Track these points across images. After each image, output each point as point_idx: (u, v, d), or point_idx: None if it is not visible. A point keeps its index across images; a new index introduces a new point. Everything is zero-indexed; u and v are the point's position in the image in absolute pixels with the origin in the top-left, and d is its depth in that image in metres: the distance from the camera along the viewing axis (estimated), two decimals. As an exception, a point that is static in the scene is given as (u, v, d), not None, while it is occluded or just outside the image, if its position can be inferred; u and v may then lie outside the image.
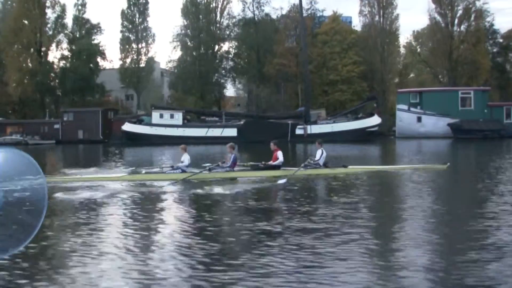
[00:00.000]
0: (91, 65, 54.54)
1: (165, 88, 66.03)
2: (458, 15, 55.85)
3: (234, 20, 58.90)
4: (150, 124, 42.01)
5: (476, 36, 55.10)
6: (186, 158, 13.36)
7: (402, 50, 63.54)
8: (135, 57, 61.09)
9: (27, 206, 3.25)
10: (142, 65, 60.50)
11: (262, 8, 56.28)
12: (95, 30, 58.85)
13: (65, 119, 47.67)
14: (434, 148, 34.79)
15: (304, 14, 55.07)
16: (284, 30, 52.97)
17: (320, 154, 14.10)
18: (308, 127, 40.94)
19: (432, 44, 57.26)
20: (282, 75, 51.92)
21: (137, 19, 62.34)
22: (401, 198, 10.51)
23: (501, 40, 64.68)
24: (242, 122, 41.78)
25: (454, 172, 15.54)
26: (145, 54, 61.67)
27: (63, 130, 47.31)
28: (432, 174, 14.06)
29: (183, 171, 13.17)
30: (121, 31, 61.67)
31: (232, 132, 40.96)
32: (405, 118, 46.06)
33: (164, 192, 11.26)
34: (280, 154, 13.75)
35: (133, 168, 15.31)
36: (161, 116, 42.08)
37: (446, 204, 9.35)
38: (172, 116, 41.95)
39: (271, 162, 13.93)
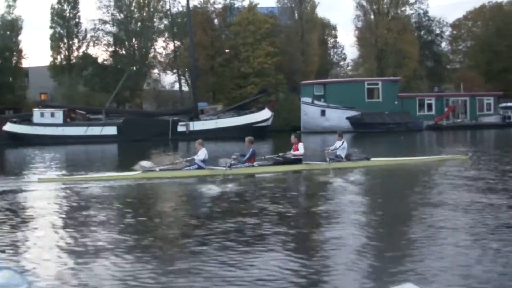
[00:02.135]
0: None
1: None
2: (385, 1, 53.02)
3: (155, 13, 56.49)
4: (30, 123, 40.21)
5: (402, 24, 52.21)
6: (202, 153, 12.88)
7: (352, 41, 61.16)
8: (67, 53, 59.71)
9: None
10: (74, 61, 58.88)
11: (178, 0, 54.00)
12: (13, 28, 57.04)
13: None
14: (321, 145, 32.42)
15: (220, 6, 52.84)
16: (196, 23, 50.37)
17: (340, 144, 14.05)
18: (191, 123, 38.62)
19: (359, 33, 54.48)
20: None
21: (67, 14, 60.78)
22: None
23: (450, 29, 62.09)
24: (122, 120, 39.70)
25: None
26: (77, 50, 60.22)
27: (-41, 132, 45.68)
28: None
29: (200, 167, 12.88)
30: (51, 27, 60.25)
31: (112, 130, 38.94)
32: (309, 111, 43.58)
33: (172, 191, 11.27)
34: (301, 147, 13.58)
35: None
36: (42, 115, 40.16)
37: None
38: (52, 115, 39.95)
39: (290, 155, 13.77)
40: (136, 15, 57.36)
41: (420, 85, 51.49)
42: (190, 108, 41.09)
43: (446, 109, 44.63)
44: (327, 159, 13.62)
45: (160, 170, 12.95)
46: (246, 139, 13.68)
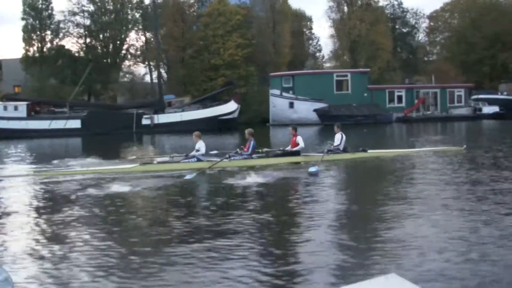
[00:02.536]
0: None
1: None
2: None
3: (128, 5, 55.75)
4: (-7, 117, 39.51)
5: (375, 15, 51.88)
6: (201, 146, 12.72)
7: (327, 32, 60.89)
8: (39, 45, 58.89)
9: None
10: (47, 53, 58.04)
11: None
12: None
13: None
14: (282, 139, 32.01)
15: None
16: (167, 14, 49.77)
17: (339, 138, 13.95)
18: (155, 116, 38.19)
19: (332, 24, 54.17)
20: (165, 60, 49.26)
21: (40, 6, 59.88)
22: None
23: (427, 21, 61.89)
24: (85, 113, 39.18)
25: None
26: (50, 42, 59.39)
27: None
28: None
29: (199, 160, 12.69)
30: (23, 18, 59.35)
31: (76, 124, 38.41)
32: (278, 104, 43.23)
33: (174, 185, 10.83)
34: (300, 140, 13.51)
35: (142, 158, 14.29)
36: (5, 108, 39.50)
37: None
38: (16, 108, 39.33)
39: (289, 148, 13.72)
40: (111, 6, 56.72)
41: (393, 76, 51.30)
42: (156, 100, 40.58)
43: (416, 101, 44.45)
44: (325, 150, 13.61)
45: (158, 163, 12.91)
46: (246, 131, 13.56)
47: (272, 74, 45.01)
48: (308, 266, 5.12)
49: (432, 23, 64.93)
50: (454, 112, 45.30)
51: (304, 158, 13.50)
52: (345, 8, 53.08)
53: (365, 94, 43.40)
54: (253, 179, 11.04)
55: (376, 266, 5.03)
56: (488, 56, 56.16)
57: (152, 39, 53.40)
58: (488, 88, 53.94)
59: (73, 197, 9.69)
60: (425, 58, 64.48)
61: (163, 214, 8.31)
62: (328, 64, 60.29)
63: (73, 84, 51.87)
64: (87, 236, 6.54)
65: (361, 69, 45.50)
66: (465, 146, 15.97)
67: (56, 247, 6.04)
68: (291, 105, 42.56)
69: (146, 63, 55.06)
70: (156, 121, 37.93)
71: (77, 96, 49.45)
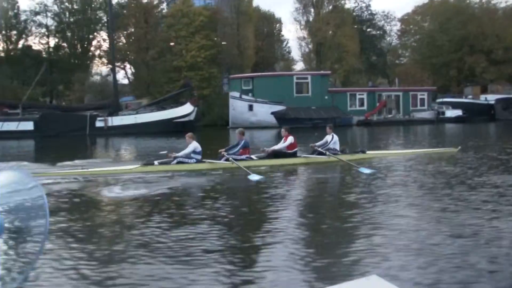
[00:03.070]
0: None
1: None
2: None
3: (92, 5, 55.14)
4: None
5: (341, 17, 51.66)
6: (191, 147, 12.52)
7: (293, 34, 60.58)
8: (5, 45, 58.16)
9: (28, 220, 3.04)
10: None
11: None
12: None
13: None
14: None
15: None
16: (127, 16, 49.19)
17: (330, 139, 13.84)
18: (109, 119, 37.58)
19: (298, 26, 53.93)
20: (128, 62, 48.71)
21: (5, 5, 59.10)
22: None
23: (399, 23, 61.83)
24: (39, 115, 38.51)
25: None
26: (16, 42, 58.62)
27: None
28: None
29: (198, 161, 12.60)
30: (-12, 17, 58.55)
31: (28, 125, 37.65)
32: (237, 106, 42.79)
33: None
34: (290, 140, 13.29)
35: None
36: (-42, 109, 38.84)
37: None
38: (-33, 109, 38.72)
39: (276, 147, 13.49)
40: (79, 6, 56.15)
41: (358, 79, 51.12)
42: (111, 102, 39.97)
43: (377, 104, 44.26)
44: (326, 153, 13.43)
45: (159, 163, 12.78)
46: (237, 131, 13.58)
47: (232, 76, 44.61)
48: (289, 267, 5.03)
49: (403, 26, 65.00)
50: (416, 115, 45.14)
51: (304, 159, 13.52)
52: (312, 10, 52.78)
53: (326, 97, 43.04)
54: (250, 180, 10.90)
55: (357, 267, 4.99)
56: (456, 59, 56.26)
57: (116, 40, 52.89)
58: (455, 92, 53.99)
59: (74, 198, 9.54)
60: (396, 61, 64.46)
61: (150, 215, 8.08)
62: (298, 67, 60.12)
63: (36, 85, 51.26)
64: (83, 235, 6.56)
65: (321, 71, 45.14)
66: (459, 147, 15.88)
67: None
68: (250, 107, 42.15)
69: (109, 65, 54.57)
70: (110, 124, 37.29)
71: (37, 97, 48.82)
